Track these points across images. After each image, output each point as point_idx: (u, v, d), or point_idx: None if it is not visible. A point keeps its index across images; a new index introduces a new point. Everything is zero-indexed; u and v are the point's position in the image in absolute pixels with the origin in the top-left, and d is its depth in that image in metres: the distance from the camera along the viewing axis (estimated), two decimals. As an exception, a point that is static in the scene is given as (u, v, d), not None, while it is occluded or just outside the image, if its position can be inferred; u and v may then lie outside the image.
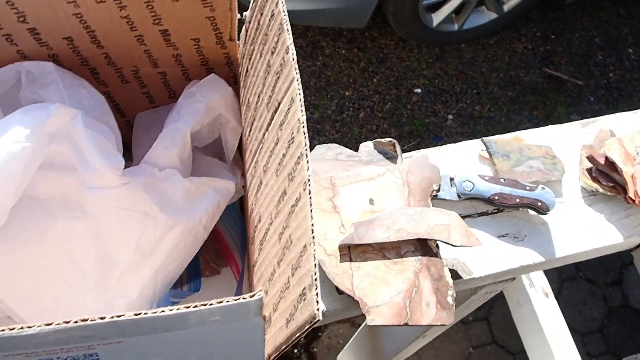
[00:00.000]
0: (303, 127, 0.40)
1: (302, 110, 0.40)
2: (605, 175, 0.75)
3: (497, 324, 1.84)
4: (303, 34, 2.24)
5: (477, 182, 0.72)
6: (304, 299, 0.34)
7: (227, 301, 0.33)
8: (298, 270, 0.37)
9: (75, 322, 0.31)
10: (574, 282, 1.88)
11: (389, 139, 0.75)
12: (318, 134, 2.03)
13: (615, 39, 2.36)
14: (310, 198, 0.37)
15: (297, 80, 0.41)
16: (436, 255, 0.66)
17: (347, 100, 2.12)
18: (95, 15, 0.53)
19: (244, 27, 0.55)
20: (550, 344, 1.03)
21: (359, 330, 1.31)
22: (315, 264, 0.35)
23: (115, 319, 0.32)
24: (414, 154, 0.77)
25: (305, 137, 0.39)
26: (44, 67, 0.56)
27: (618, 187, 0.73)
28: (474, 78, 2.23)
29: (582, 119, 0.85)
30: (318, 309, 0.32)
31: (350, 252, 0.66)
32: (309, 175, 0.38)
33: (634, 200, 0.71)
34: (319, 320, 0.33)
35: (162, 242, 0.54)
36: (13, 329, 0.31)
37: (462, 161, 0.78)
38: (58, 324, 0.31)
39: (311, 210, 0.36)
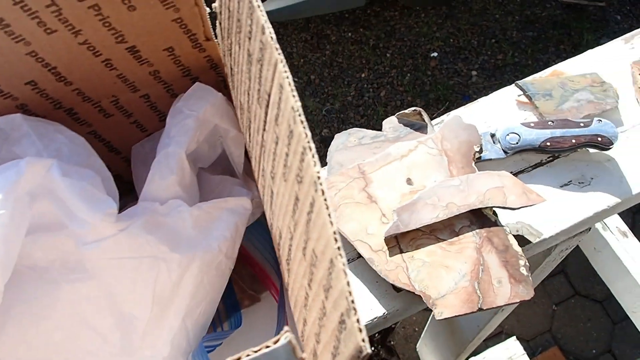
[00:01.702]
0: (299, 115, 0.32)
1: (294, 96, 0.32)
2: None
3: (576, 275, 1.72)
4: (305, 27, 2.16)
5: (522, 132, 0.63)
6: (344, 328, 0.27)
7: (248, 355, 0.25)
8: (330, 292, 0.29)
9: None
10: (647, 212, 1.76)
11: (413, 108, 0.67)
12: (343, 124, 1.95)
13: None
14: (325, 200, 0.29)
15: (282, 62, 0.34)
16: (496, 223, 0.58)
17: (365, 82, 2.03)
18: (50, 49, 0.46)
19: (217, 21, 0.48)
20: (642, 285, 0.93)
21: (430, 317, 1.23)
22: (348, 282, 0.27)
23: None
24: (445, 118, 0.69)
25: (304, 127, 0.31)
26: (12, 120, 0.50)
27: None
28: (489, 27, 2.11)
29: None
30: (364, 340, 0.25)
31: (399, 242, 0.58)
32: (318, 172, 0.30)
33: None
34: (367, 354, 0.25)
35: (181, 284, 0.47)
36: None
37: (500, 113, 0.69)
38: None
39: (329, 215, 0.29)
